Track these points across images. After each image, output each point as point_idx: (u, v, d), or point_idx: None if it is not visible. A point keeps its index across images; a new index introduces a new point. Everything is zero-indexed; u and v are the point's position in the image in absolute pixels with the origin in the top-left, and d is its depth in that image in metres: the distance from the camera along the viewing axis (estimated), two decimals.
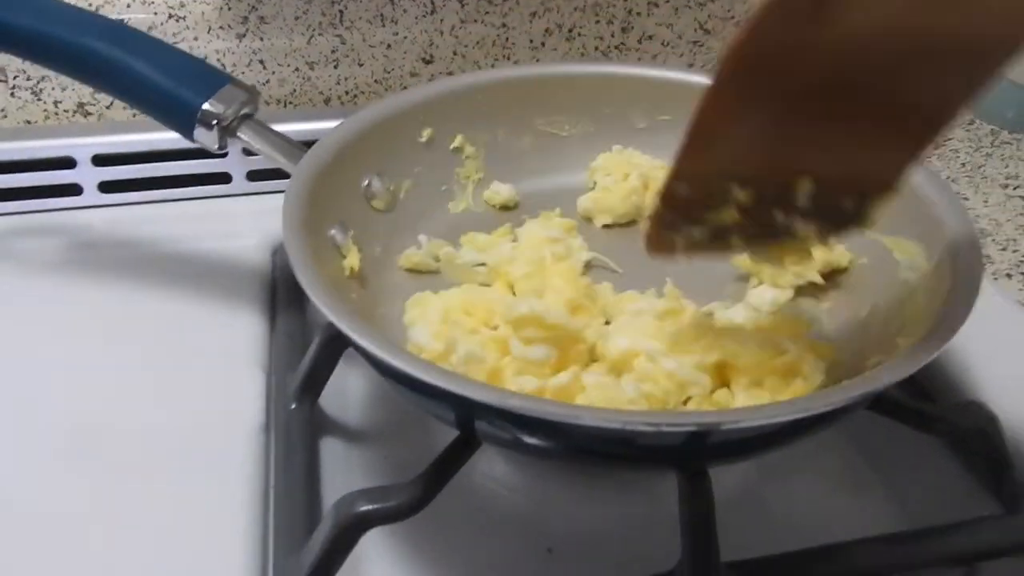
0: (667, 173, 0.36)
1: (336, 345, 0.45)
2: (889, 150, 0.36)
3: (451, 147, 0.53)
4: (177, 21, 0.68)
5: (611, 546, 0.42)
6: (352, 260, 0.46)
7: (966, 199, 0.69)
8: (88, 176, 0.63)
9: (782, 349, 0.41)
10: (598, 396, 0.39)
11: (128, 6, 0.68)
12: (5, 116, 0.68)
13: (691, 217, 0.37)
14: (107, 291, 0.55)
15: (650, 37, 0.77)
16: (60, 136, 0.63)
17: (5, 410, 0.47)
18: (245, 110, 0.48)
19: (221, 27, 0.69)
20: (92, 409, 0.47)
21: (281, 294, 0.54)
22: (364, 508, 0.36)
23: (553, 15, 0.74)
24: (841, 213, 0.38)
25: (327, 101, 0.73)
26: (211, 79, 0.48)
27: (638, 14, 0.76)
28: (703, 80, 0.55)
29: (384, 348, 0.35)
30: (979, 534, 0.41)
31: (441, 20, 0.72)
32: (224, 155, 0.62)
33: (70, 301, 0.54)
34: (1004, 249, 0.63)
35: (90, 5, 0.67)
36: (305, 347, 0.48)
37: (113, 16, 0.66)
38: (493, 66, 0.74)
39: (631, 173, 0.54)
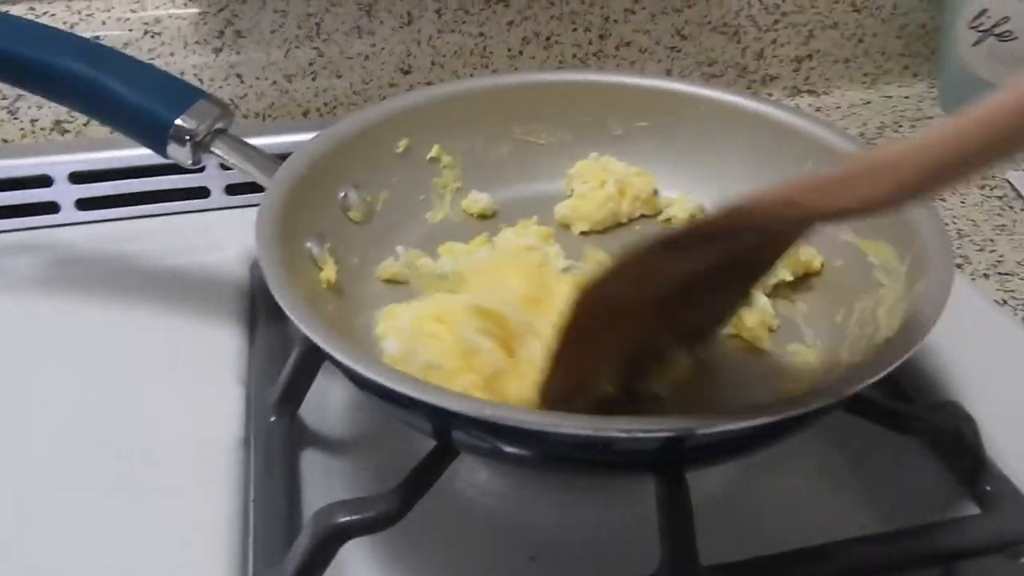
0: (540, 386, 0.39)
1: (314, 357, 0.45)
2: (727, 300, 0.42)
3: (428, 157, 0.54)
4: (152, 37, 0.68)
5: (593, 552, 0.42)
6: (329, 272, 0.46)
7: (943, 200, 0.69)
8: (65, 194, 0.63)
9: None
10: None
11: (103, 23, 0.68)
12: None
13: (569, 400, 0.40)
14: (86, 308, 0.54)
15: (627, 44, 0.78)
16: (36, 154, 0.63)
17: None
18: (219, 125, 0.48)
19: (197, 42, 0.69)
20: (72, 425, 0.47)
21: (260, 307, 0.54)
22: (343, 519, 0.36)
23: (530, 23, 0.74)
24: (700, 337, 0.44)
25: (306, 114, 0.73)
26: (184, 95, 0.48)
27: (615, 21, 0.76)
28: (679, 87, 0.56)
29: (358, 360, 0.35)
30: (956, 534, 0.41)
31: (418, 31, 0.72)
32: (201, 170, 0.62)
33: (48, 319, 0.54)
34: (981, 250, 0.64)
35: (64, 23, 0.67)
36: (284, 360, 0.48)
37: (88, 34, 0.67)
38: (471, 75, 0.74)
39: (608, 180, 0.54)
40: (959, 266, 0.61)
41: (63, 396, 0.48)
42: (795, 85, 0.84)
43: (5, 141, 0.69)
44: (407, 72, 0.73)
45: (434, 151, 0.54)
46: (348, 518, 0.36)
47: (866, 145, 0.50)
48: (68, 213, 0.63)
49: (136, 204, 0.63)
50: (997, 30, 0.75)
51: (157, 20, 0.68)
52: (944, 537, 0.41)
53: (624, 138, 0.56)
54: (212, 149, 0.47)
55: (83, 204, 0.63)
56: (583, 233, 0.54)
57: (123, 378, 0.50)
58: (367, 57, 0.72)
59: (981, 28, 0.76)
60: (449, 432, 0.37)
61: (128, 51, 0.66)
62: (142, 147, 0.49)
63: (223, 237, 0.61)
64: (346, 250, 0.48)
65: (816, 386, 0.41)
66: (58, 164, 0.62)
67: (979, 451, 0.43)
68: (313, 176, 0.47)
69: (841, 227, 0.48)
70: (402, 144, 0.52)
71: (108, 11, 0.68)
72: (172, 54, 0.69)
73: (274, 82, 0.71)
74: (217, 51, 0.69)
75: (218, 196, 0.64)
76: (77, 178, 0.63)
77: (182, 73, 0.68)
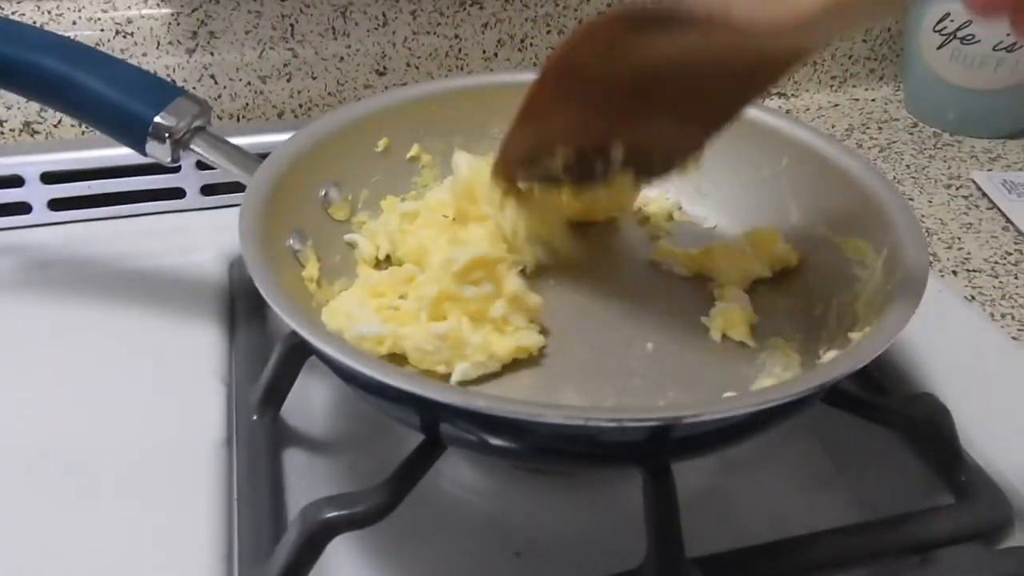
0: (505, 135, 0.46)
1: (297, 355, 0.45)
2: (685, 131, 0.46)
3: (408, 156, 0.54)
4: (125, 37, 0.68)
5: (578, 547, 0.42)
6: (312, 269, 0.46)
7: (911, 200, 0.70)
8: (37, 194, 0.62)
9: None
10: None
11: (74, 23, 0.67)
12: None
13: (526, 162, 0.47)
14: (62, 310, 0.54)
15: None
16: (7, 155, 0.62)
17: None
18: (197, 122, 0.47)
19: (170, 42, 0.69)
20: (52, 428, 0.46)
21: (240, 307, 0.53)
22: (331, 514, 0.36)
23: (505, 26, 0.75)
24: (651, 167, 0.49)
25: (280, 115, 0.73)
26: (162, 92, 0.47)
27: None
28: None
29: (348, 354, 0.35)
30: (932, 524, 0.42)
31: (393, 32, 0.72)
32: (177, 170, 0.62)
33: (23, 321, 0.53)
34: (949, 247, 0.65)
35: (34, 23, 0.66)
36: (265, 359, 0.47)
37: (59, 33, 0.66)
38: (446, 77, 0.74)
39: None
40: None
41: (41, 399, 0.48)
42: None
43: None
44: (382, 73, 0.73)
45: (414, 150, 0.54)
46: (336, 513, 0.36)
47: (839, 141, 0.51)
48: (40, 214, 0.62)
49: (110, 205, 0.63)
50: (960, 33, 0.76)
51: (129, 20, 0.68)
52: (921, 527, 0.42)
53: None
54: (191, 147, 0.47)
55: (56, 204, 0.62)
56: None
57: (102, 380, 0.49)
58: (342, 58, 0.72)
59: (944, 32, 0.77)
60: (437, 425, 0.37)
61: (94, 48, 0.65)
62: (116, 147, 0.48)
63: (200, 237, 0.60)
64: (328, 247, 0.48)
65: (798, 376, 0.42)
66: (30, 164, 0.62)
67: (954, 442, 0.44)
68: (294, 174, 0.47)
69: (817, 223, 0.49)
70: (382, 143, 0.52)
71: (79, 11, 0.67)
72: (145, 54, 0.68)
73: (248, 83, 0.71)
74: (190, 52, 0.69)
75: (193, 197, 0.64)
76: (49, 178, 0.62)
77: (155, 74, 0.68)
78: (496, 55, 0.75)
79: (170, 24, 0.68)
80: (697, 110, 0.44)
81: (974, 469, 0.44)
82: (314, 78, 0.72)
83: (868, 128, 0.82)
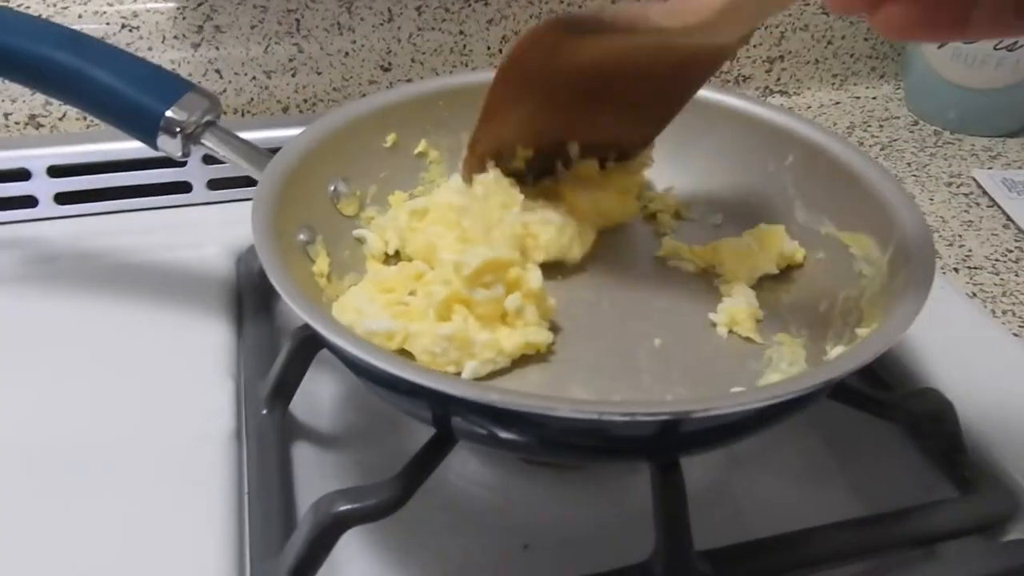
0: (471, 136, 0.49)
1: (307, 349, 0.46)
2: (637, 126, 0.52)
3: (415, 152, 0.54)
4: (130, 31, 0.68)
5: (586, 540, 0.43)
6: (322, 264, 0.46)
7: (913, 197, 0.71)
8: (44, 188, 0.62)
9: None
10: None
11: (80, 17, 0.67)
12: None
13: (495, 157, 0.51)
14: (68, 304, 0.54)
15: None
16: (14, 147, 0.62)
17: None
18: (208, 117, 0.47)
19: (176, 36, 0.69)
20: (58, 423, 0.46)
21: (247, 301, 0.54)
22: (343, 508, 0.36)
23: (510, 22, 0.75)
24: (608, 158, 0.54)
25: (285, 110, 0.73)
26: (173, 86, 0.48)
27: None
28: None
29: (362, 348, 0.35)
30: (936, 517, 0.42)
31: (399, 28, 0.72)
32: (184, 164, 0.62)
33: (30, 315, 0.53)
34: (951, 245, 0.65)
35: (40, 16, 0.66)
36: (274, 353, 0.48)
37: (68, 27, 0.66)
38: (451, 73, 0.75)
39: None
40: None
41: (47, 393, 0.48)
42: (767, 85, 0.86)
43: None
44: (387, 69, 0.74)
45: (421, 146, 0.54)
46: (348, 507, 0.37)
47: (843, 138, 0.52)
48: (47, 207, 0.62)
49: (117, 199, 0.63)
50: None
51: (135, 14, 0.68)
52: (925, 520, 0.42)
53: None
54: (202, 141, 0.47)
55: (62, 198, 0.62)
56: None
57: (109, 374, 0.49)
58: (347, 54, 0.72)
59: None
60: (449, 419, 0.37)
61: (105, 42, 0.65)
62: (123, 141, 0.48)
63: (207, 232, 0.61)
64: (337, 242, 0.48)
65: (806, 372, 0.42)
66: (36, 158, 0.62)
67: (957, 436, 0.45)
68: (304, 169, 0.47)
69: (823, 220, 0.50)
70: (390, 139, 0.53)
71: (84, 4, 0.67)
72: (150, 48, 0.68)
73: (254, 78, 0.71)
74: (196, 46, 0.69)
75: (200, 191, 0.64)
76: (56, 172, 0.62)
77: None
78: (501, 51, 0.76)
79: (176, 18, 0.68)
80: (642, 105, 0.50)
81: (977, 463, 0.45)
82: (319, 73, 0.72)
83: (869, 126, 0.82)
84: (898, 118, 0.84)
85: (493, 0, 0.74)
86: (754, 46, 0.83)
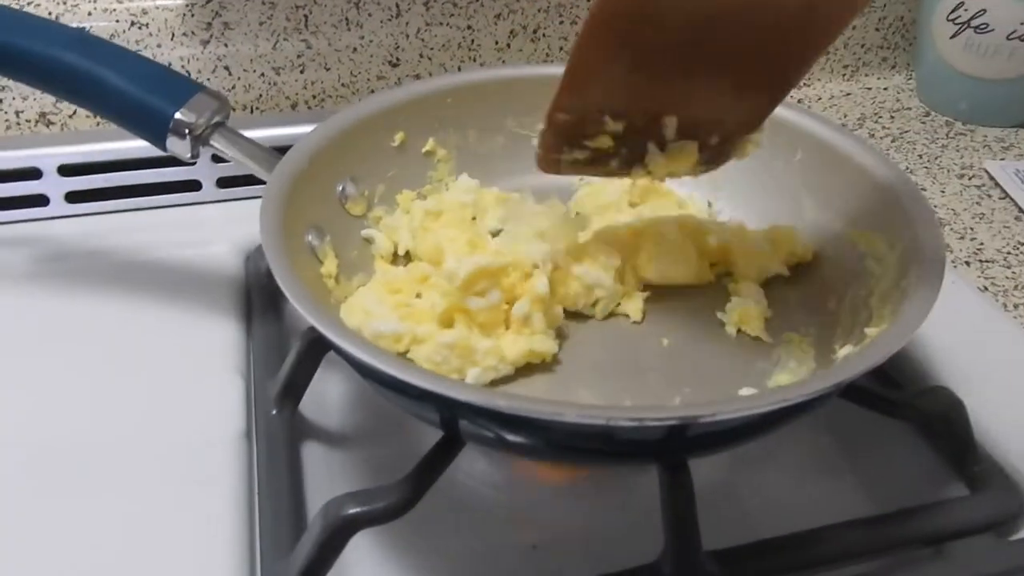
0: (550, 104, 0.41)
1: (317, 350, 0.46)
2: (745, 100, 0.43)
3: (423, 150, 0.54)
4: (140, 29, 0.68)
5: (594, 540, 0.43)
6: (330, 265, 0.46)
7: (924, 190, 0.70)
8: (54, 186, 0.62)
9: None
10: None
11: (89, 14, 0.67)
12: None
13: (573, 141, 0.43)
14: (78, 302, 0.54)
15: None
16: (25, 147, 0.63)
17: None
18: (217, 118, 0.48)
19: (184, 34, 0.69)
20: (70, 422, 0.47)
21: (256, 300, 0.54)
22: (353, 510, 0.36)
23: (518, 17, 0.75)
24: (709, 148, 0.45)
25: (294, 106, 0.73)
26: (182, 88, 0.48)
27: None
28: None
29: (369, 352, 0.35)
30: (946, 515, 0.42)
31: (406, 23, 0.72)
32: (193, 162, 0.62)
33: (40, 314, 0.54)
34: (962, 238, 0.65)
35: (50, 14, 0.66)
36: (283, 352, 0.48)
37: (74, 24, 0.66)
38: (459, 68, 0.75)
39: None
40: None
41: (58, 391, 0.48)
42: None
43: None
44: (395, 65, 0.73)
45: (429, 144, 0.54)
46: (358, 509, 0.37)
47: (853, 134, 0.51)
48: (57, 206, 0.63)
49: (127, 197, 0.63)
50: (974, 23, 0.76)
51: (144, 11, 0.68)
52: (936, 518, 0.42)
53: None
54: (211, 142, 0.47)
55: (73, 197, 0.63)
56: None
57: (120, 372, 0.50)
58: (355, 49, 0.72)
59: (958, 21, 0.77)
60: (457, 423, 0.37)
61: (114, 43, 0.65)
62: (133, 140, 0.48)
63: (216, 230, 0.61)
64: (345, 242, 0.48)
65: (812, 373, 0.42)
66: (47, 157, 0.62)
67: (968, 434, 0.44)
68: (312, 170, 0.47)
69: (832, 217, 0.49)
70: (398, 138, 0.53)
71: (94, 2, 0.67)
72: (159, 46, 0.68)
73: (262, 74, 0.71)
74: (204, 43, 0.69)
75: (210, 189, 0.64)
76: (67, 171, 0.62)
77: (169, 65, 0.68)
78: (509, 46, 0.75)
79: (184, 15, 0.68)
80: (754, 72, 0.41)
81: (988, 461, 0.45)
82: (327, 69, 0.72)
83: (880, 117, 0.82)
84: (909, 109, 0.83)
85: None
86: None
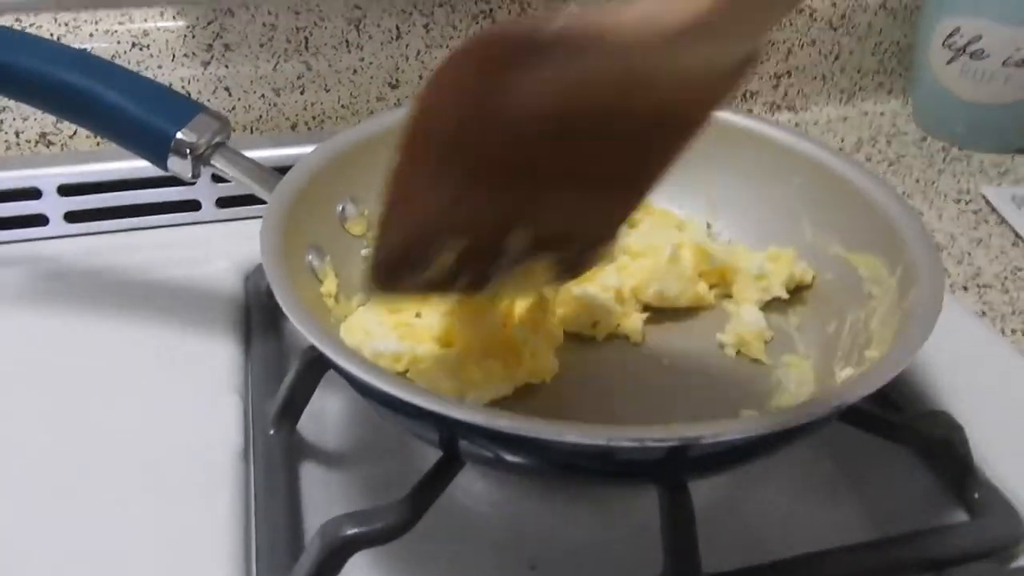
0: (376, 225, 0.35)
1: (316, 369, 0.45)
2: (606, 200, 0.37)
3: None
4: (141, 50, 0.68)
5: (593, 561, 0.42)
6: (330, 285, 0.46)
7: (921, 214, 0.71)
8: (54, 206, 0.62)
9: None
10: None
11: (91, 35, 0.68)
12: None
13: (409, 264, 0.37)
14: (77, 322, 0.54)
15: None
16: (24, 167, 0.63)
17: None
18: (218, 138, 0.48)
19: (185, 55, 0.69)
20: (68, 440, 0.46)
21: (256, 320, 0.54)
22: (351, 531, 0.36)
23: None
24: (567, 255, 0.40)
25: (294, 127, 0.73)
26: (183, 108, 0.48)
27: None
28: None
29: (369, 371, 0.35)
30: (946, 541, 0.42)
31: (406, 45, 0.73)
32: (193, 182, 0.62)
33: (40, 333, 0.54)
34: (960, 263, 0.65)
35: (51, 35, 0.67)
36: (282, 372, 0.48)
37: (75, 46, 0.66)
38: None
39: None
40: None
41: (57, 411, 0.48)
42: (774, 101, 0.86)
43: None
44: (395, 86, 0.74)
45: None
46: (356, 530, 0.37)
47: (851, 158, 0.52)
48: (57, 226, 0.62)
49: (126, 217, 0.63)
50: (970, 48, 0.77)
51: (145, 33, 0.68)
52: (935, 544, 0.42)
53: None
54: (212, 162, 0.47)
55: (72, 217, 0.63)
56: None
57: (118, 392, 0.49)
58: (355, 71, 0.72)
59: (954, 46, 0.77)
60: (456, 442, 0.37)
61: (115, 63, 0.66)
62: (133, 160, 0.49)
63: (215, 250, 0.61)
64: (346, 263, 0.48)
65: (812, 396, 0.42)
66: (47, 177, 0.62)
67: (968, 459, 0.44)
68: (313, 190, 0.47)
69: (831, 241, 0.49)
70: None
71: (96, 23, 0.68)
72: (160, 67, 0.69)
73: (262, 95, 0.71)
74: (205, 64, 0.69)
75: (209, 209, 0.64)
76: (66, 190, 0.62)
77: (170, 86, 0.68)
78: None
79: (185, 36, 0.69)
80: (609, 174, 0.36)
81: (988, 486, 0.45)
82: (327, 90, 0.72)
83: (877, 142, 0.82)
84: (906, 134, 0.84)
85: (501, 17, 0.74)
86: (761, 62, 0.83)
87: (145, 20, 0.68)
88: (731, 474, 0.47)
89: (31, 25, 0.67)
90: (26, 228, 0.62)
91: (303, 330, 0.37)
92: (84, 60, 0.48)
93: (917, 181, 0.76)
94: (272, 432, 0.46)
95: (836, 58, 0.85)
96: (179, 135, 0.46)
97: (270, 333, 0.53)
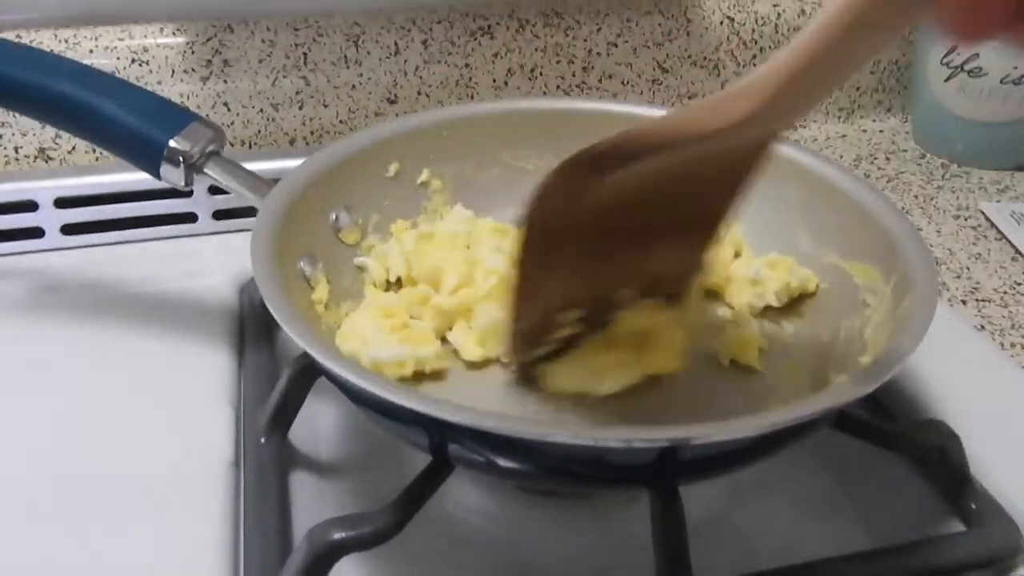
0: (506, 320, 0.42)
1: (306, 378, 0.45)
2: (685, 247, 0.45)
3: (418, 181, 0.54)
4: (140, 65, 0.69)
5: (584, 570, 0.42)
6: (321, 292, 0.46)
7: (920, 229, 0.70)
8: (50, 219, 0.63)
9: None
10: None
11: (91, 52, 0.68)
12: None
13: (540, 339, 0.44)
14: (73, 333, 0.54)
15: (610, 76, 0.79)
16: (21, 179, 0.63)
17: None
18: (211, 147, 0.48)
19: (185, 70, 0.70)
20: (61, 450, 0.46)
21: (249, 330, 0.54)
22: (337, 535, 0.36)
23: (515, 55, 0.75)
24: (668, 289, 0.47)
25: (292, 142, 0.73)
26: (177, 117, 0.48)
27: (598, 54, 0.78)
28: (663, 113, 0.57)
29: (356, 373, 0.35)
30: (942, 551, 0.41)
31: (405, 61, 0.73)
32: (189, 194, 0.62)
33: (34, 345, 0.54)
34: (958, 277, 0.65)
35: (52, 51, 0.67)
36: (274, 382, 0.48)
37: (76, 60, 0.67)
38: (457, 104, 0.75)
39: None
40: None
41: (51, 422, 0.48)
42: None
43: None
44: (393, 102, 0.74)
45: (424, 175, 0.54)
46: (343, 534, 0.36)
47: (848, 170, 0.51)
48: (53, 238, 0.63)
49: (123, 229, 0.63)
50: (968, 66, 0.77)
51: (145, 49, 0.69)
52: (930, 554, 0.41)
53: None
54: (205, 171, 0.47)
55: (68, 229, 0.63)
56: None
57: (112, 402, 0.49)
58: (354, 87, 0.73)
59: (952, 64, 0.78)
60: (445, 445, 0.37)
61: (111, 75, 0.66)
62: (129, 172, 0.49)
63: (211, 262, 0.61)
64: (338, 271, 0.48)
65: (807, 399, 0.42)
66: (43, 189, 0.62)
67: (964, 468, 0.44)
68: (306, 198, 0.47)
69: (827, 250, 0.49)
70: (393, 168, 0.53)
71: (95, 39, 0.68)
72: (160, 82, 0.69)
73: (261, 110, 0.71)
74: (204, 79, 0.70)
75: (205, 221, 0.64)
76: (63, 203, 0.62)
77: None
78: (506, 83, 0.76)
79: (185, 52, 0.69)
80: (687, 223, 0.43)
81: (984, 496, 0.44)
82: (326, 106, 0.73)
83: (876, 159, 0.82)
84: (905, 151, 0.84)
85: (499, 34, 0.74)
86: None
87: (145, 36, 0.69)
88: (727, 484, 0.46)
89: (32, 41, 0.67)
90: (22, 240, 0.62)
91: (291, 333, 0.37)
92: (81, 71, 0.48)
93: (916, 197, 0.76)
94: (263, 440, 0.46)
95: (789, 127, 0.86)
96: (172, 143, 0.46)
97: (263, 344, 0.53)
